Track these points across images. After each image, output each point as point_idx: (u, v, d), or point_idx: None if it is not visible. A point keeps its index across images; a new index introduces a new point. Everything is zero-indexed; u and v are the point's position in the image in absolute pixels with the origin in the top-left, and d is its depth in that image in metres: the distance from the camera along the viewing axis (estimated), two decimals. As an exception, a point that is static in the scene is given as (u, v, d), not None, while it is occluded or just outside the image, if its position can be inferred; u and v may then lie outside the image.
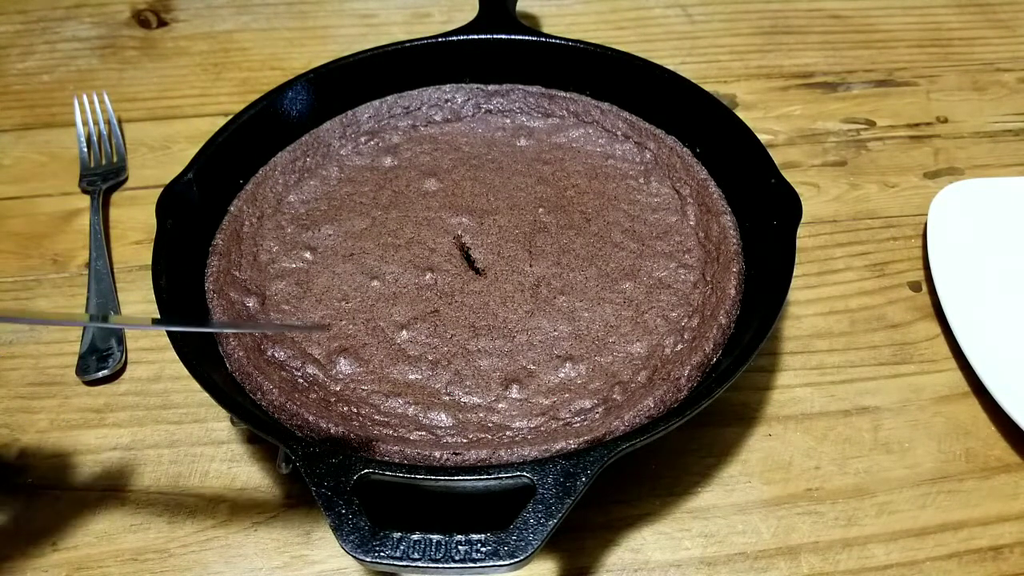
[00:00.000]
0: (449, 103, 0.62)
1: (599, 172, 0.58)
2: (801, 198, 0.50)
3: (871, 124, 0.71)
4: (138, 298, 0.59)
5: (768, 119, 0.71)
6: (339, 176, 0.58)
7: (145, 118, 0.72)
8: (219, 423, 0.52)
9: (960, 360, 0.55)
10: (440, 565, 0.36)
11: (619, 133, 0.60)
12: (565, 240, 0.54)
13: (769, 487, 0.50)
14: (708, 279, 0.51)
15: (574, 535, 0.47)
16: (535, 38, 0.62)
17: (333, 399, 0.47)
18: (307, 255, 0.53)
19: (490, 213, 0.56)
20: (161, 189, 0.51)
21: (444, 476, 0.40)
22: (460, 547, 0.37)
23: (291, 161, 0.58)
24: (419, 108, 0.61)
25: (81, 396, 0.54)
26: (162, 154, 0.69)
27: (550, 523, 0.37)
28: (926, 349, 0.56)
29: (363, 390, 0.47)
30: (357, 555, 0.37)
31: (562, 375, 0.47)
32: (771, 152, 0.53)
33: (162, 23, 0.81)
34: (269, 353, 0.48)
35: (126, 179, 0.67)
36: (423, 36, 0.62)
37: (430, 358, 0.48)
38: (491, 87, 0.62)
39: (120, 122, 0.71)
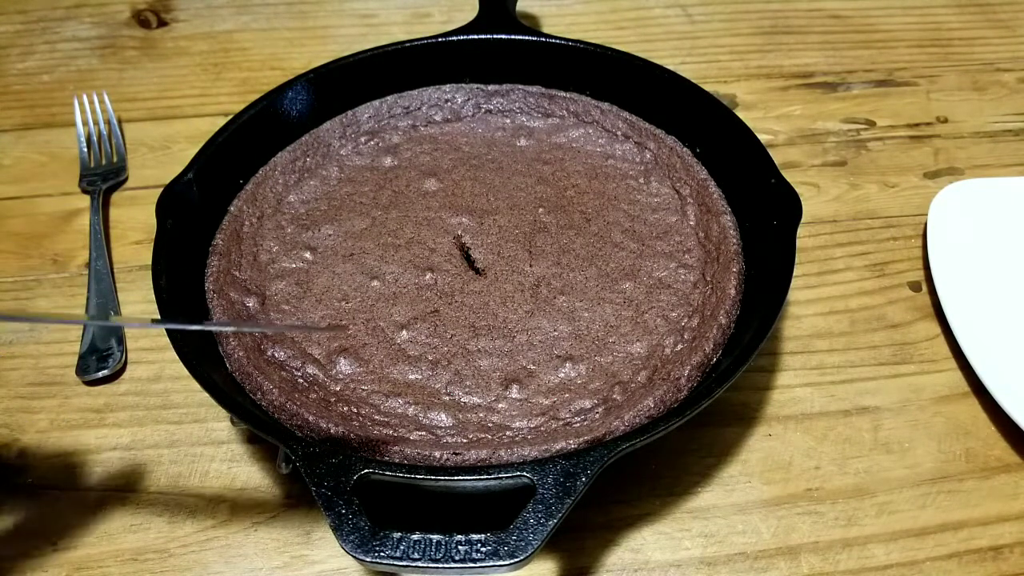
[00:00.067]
0: (449, 103, 0.62)
1: (599, 172, 0.58)
2: (801, 198, 0.50)
3: (871, 124, 0.71)
4: (138, 298, 0.59)
5: (768, 119, 0.71)
6: (339, 176, 0.58)
7: (145, 118, 0.72)
8: (219, 423, 0.52)
9: (960, 360, 0.55)
10: (440, 565, 0.36)
11: (619, 133, 0.60)
12: (565, 240, 0.54)
13: (769, 487, 0.50)
14: (708, 279, 0.51)
15: (574, 535, 0.47)
16: (535, 38, 0.62)
17: (333, 399, 0.47)
18: (307, 255, 0.53)
19: (490, 213, 0.56)
20: (161, 189, 0.51)
21: (444, 476, 0.40)
22: (460, 547, 0.37)
23: (291, 161, 0.58)
24: (419, 108, 0.61)
25: (81, 396, 0.54)
26: (162, 154, 0.69)
27: (550, 523, 0.37)
28: (926, 349, 0.56)
29: (363, 390, 0.47)
30: (357, 555, 0.37)
31: (562, 375, 0.47)
32: (771, 152, 0.53)
33: (162, 23, 0.81)
34: (269, 353, 0.48)
35: (126, 179, 0.67)
36: (423, 36, 0.62)
37: (430, 358, 0.48)
38: (491, 87, 0.62)
39: (120, 122, 0.71)
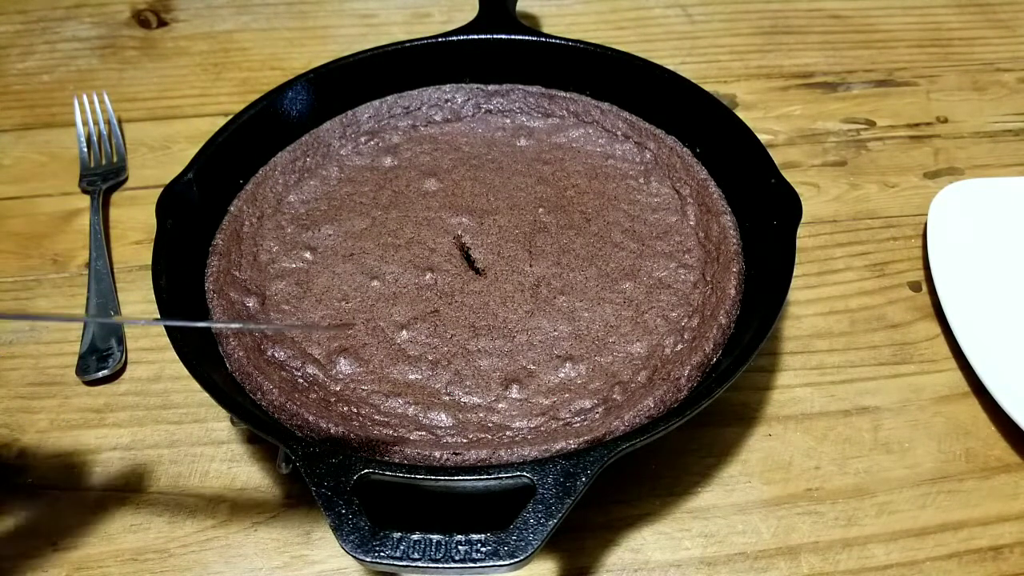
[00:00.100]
0: (449, 103, 0.62)
1: (599, 172, 0.58)
2: (801, 198, 0.50)
3: (871, 124, 0.71)
4: (138, 298, 0.59)
5: (768, 119, 0.71)
6: (339, 176, 0.58)
7: (145, 118, 0.72)
8: (219, 423, 0.52)
9: (960, 360, 0.55)
10: (440, 565, 0.36)
11: (619, 133, 0.60)
12: (565, 240, 0.54)
13: (769, 487, 0.50)
14: (708, 279, 0.51)
15: (574, 535, 0.47)
16: (535, 38, 0.62)
17: (333, 399, 0.47)
18: (307, 255, 0.53)
19: (490, 213, 0.56)
20: (161, 189, 0.51)
21: (444, 476, 0.40)
22: (460, 547, 0.37)
23: (291, 161, 0.58)
24: (419, 108, 0.61)
25: (81, 396, 0.54)
26: (162, 154, 0.69)
27: (550, 523, 0.37)
28: (926, 349, 0.56)
29: (363, 390, 0.47)
30: (357, 555, 0.37)
31: (562, 375, 0.47)
32: (771, 152, 0.53)
33: (162, 23, 0.81)
34: (269, 353, 0.48)
35: (126, 179, 0.67)
36: (423, 36, 0.62)
37: (430, 358, 0.48)
38: (491, 87, 0.62)
39: (120, 122, 0.71)
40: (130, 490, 0.50)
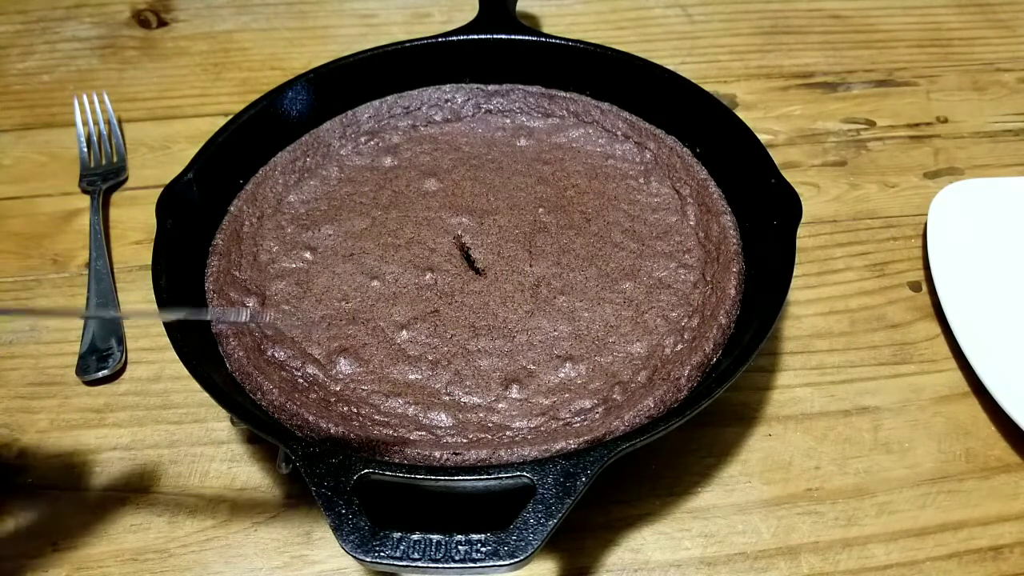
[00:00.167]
0: (449, 103, 0.62)
1: (599, 172, 0.58)
2: (801, 198, 0.50)
3: (871, 124, 0.71)
4: (138, 298, 0.59)
5: (768, 119, 0.71)
6: (339, 176, 0.58)
7: (145, 118, 0.72)
8: (219, 423, 0.52)
9: (960, 360, 0.55)
10: (440, 565, 0.36)
11: (619, 133, 0.60)
12: (565, 240, 0.54)
13: (769, 487, 0.50)
14: (708, 279, 0.51)
15: (574, 535, 0.47)
16: (535, 38, 0.62)
17: (333, 399, 0.47)
18: (307, 255, 0.53)
19: (490, 213, 0.56)
20: (161, 189, 0.51)
21: (444, 476, 0.40)
22: (460, 547, 0.37)
23: (291, 161, 0.58)
24: (419, 108, 0.61)
25: (81, 396, 0.54)
26: (162, 154, 0.69)
27: (550, 523, 0.37)
28: (926, 349, 0.56)
29: (363, 390, 0.47)
30: (357, 555, 0.37)
31: (562, 375, 0.47)
32: (771, 152, 0.53)
33: (162, 23, 0.81)
34: (269, 353, 0.48)
35: (126, 179, 0.67)
36: (423, 36, 0.62)
37: (430, 358, 0.48)
38: (491, 87, 0.62)
39: (120, 122, 0.71)
40: (130, 490, 0.50)
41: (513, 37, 0.62)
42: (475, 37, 0.62)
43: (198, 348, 0.46)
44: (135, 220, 0.64)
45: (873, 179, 0.67)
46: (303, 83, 0.59)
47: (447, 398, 0.47)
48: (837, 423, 0.52)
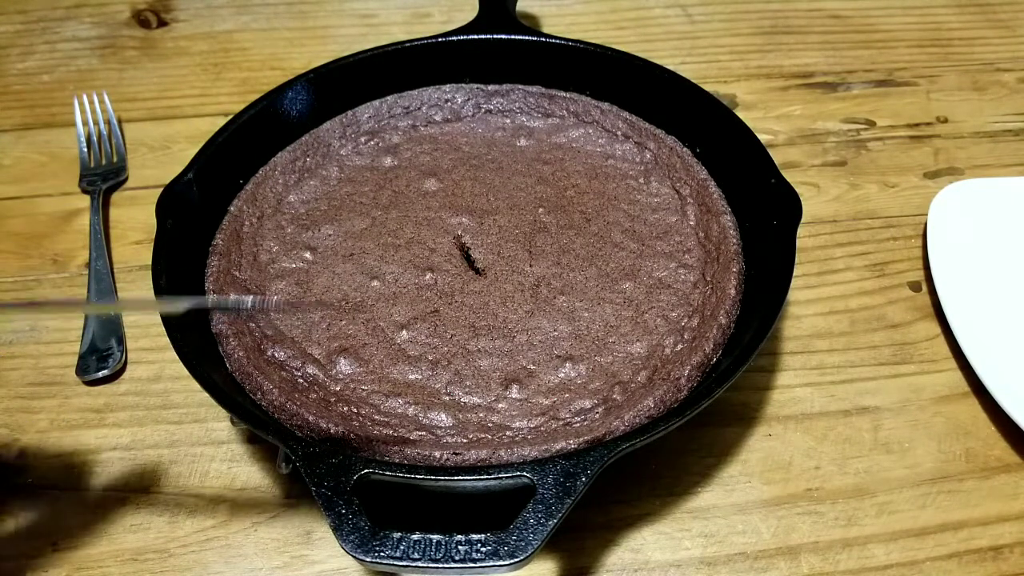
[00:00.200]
0: (449, 103, 0.62)
1: (599, 172, 0.58)
2: (801, 198, 0.50)
3: (871, 124, 0.71)
4: (138, 298, 0.59)
5: (768, 119, 0.71)
6: (339, 176, 0.58)
7: (145, 118, 0.72)
8: (219, 423, 0.52)
9: (960, 360, 0.55)
10: (440, 565, 0.36)
11: (619, 133, 0.60)
12: (565, 240, 0.54)
13: (769, 487, 0.50)
14: (708, 279, 0.51)
15: (574, 535, 0.47)
16: (535, 38, 0.62)
17: (333, 399, 0.47)
18: (307, 255, 0.53)
19: (490, 213, 0.56)
20: (161, 189, 0.51)
21: (444, 476, 0.40)
22: (460, 547, 0.37)
23: (291, 161, 0.58)
24: (419, 108, 0.61)
25: (81, 396, 0.54)
26: (162, 154, 0.69)
27: (550, 523, 0.37)
28: (926, 349, 0.56)
29: (363, 390, 0.47)
30: (357, 555, 0.37)
31: (562, 375, 0.47)
32: (771, 152, 0.53)
33: (162, 23, 0.81)
34: (269, 353, 0.48)
35: (126, 179, 0.67)
36: (423, 36, 0.62)
37: (430, 358, 0.48)
38: (491, 87, 0.62)
39: (120, 122, 0.71)
40: (130, 490, 0.50)
41: (513, 37, 0.62)
42: (475, 37, 0.62)
43: (198, 348, 0.46)
44: (135, 220, 0.64)
45: (873, 179, 0.67)
46: (303, 83, 0.59)
47: (447, 398, 0.47)
48: (837, 423, 0.52)
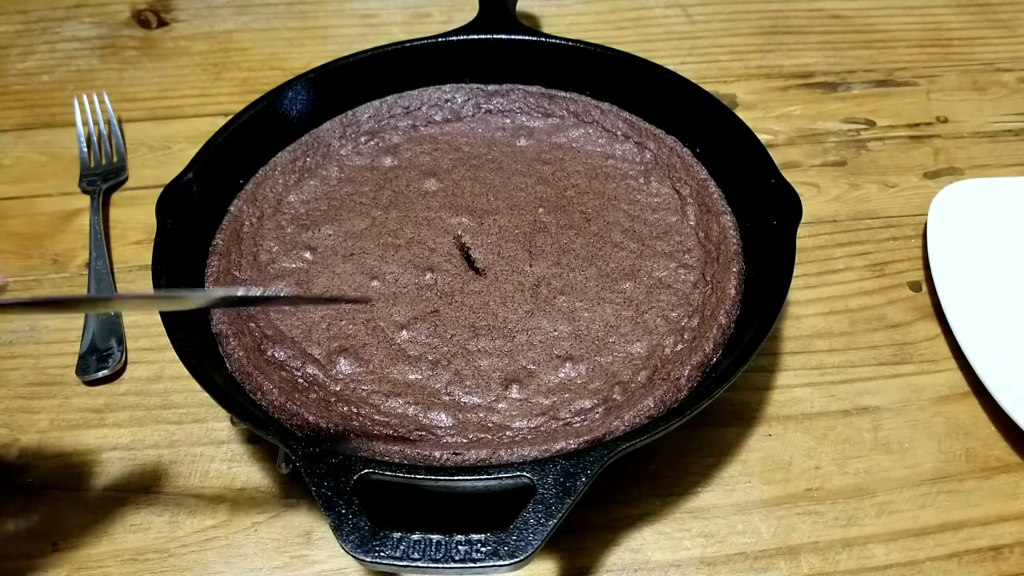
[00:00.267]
0: (449, 103, 0.62)
1: (599, 172, 0.58)
2: (801, 198, 0.50)
3: (871, 124, 0.71)
4: (138, 298, 0.59)
5: (768, 119, 0.71)
6: (339, 176, 0.58)
7: (145, 118, 0.72)
8: (219, 423, 0.52)
9: (960, 360, 0.55)
10: (440, 565, 0.36)
11: (619, 133, 0.60)
12: (565, 240, 0.54)
13: (769, 487, 0.50)
14: (708, 279, 0.51)
15: (574, 535, 0.47)
16: (535, 38, 0.62)
17: (333, 399, 0.47)
18: (307, 255, 0.53)
19: (490, 213, 0.56)
20: (161, 189, 0.51)
21: (444, 476, 0.40)
22: (460, 547, 0.37)
23: (291, 161, 0.58)
24: (419, 108, 0.61)
25: (81, 396, 0.54)
26: (162, 154, 0.69)
27: (550, 523, 0.37)
28: (926, 349, 0.56)
29: (363, 390, 0.47)
30: (357, 555, 0.37)
31: (562, 375, 0.47)
32: (771, 152, 0.53)
33: (162, 23, 0.81)
34: (269, 353, 0.48)
35: (126, 179, 0.67)
36: (423, 36, 0.62)
37: (430, 358, 0.48)
38: (491, 87, 0.62)
39: (120, 122, 0.71)
40: (130, 490, 0.50)
41: (513, 37, 0.62)
42: (475, 37, 0.62)
43: (198, 348, 0.46)
44: (135, 220, 0.64)
45: (873, 179, 0.67)
46: (303, 83, 0.59)
47: (447, 398, 0.47)
48: (837, 423, 0.52)
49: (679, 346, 0.48)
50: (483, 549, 0.37)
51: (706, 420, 0.52)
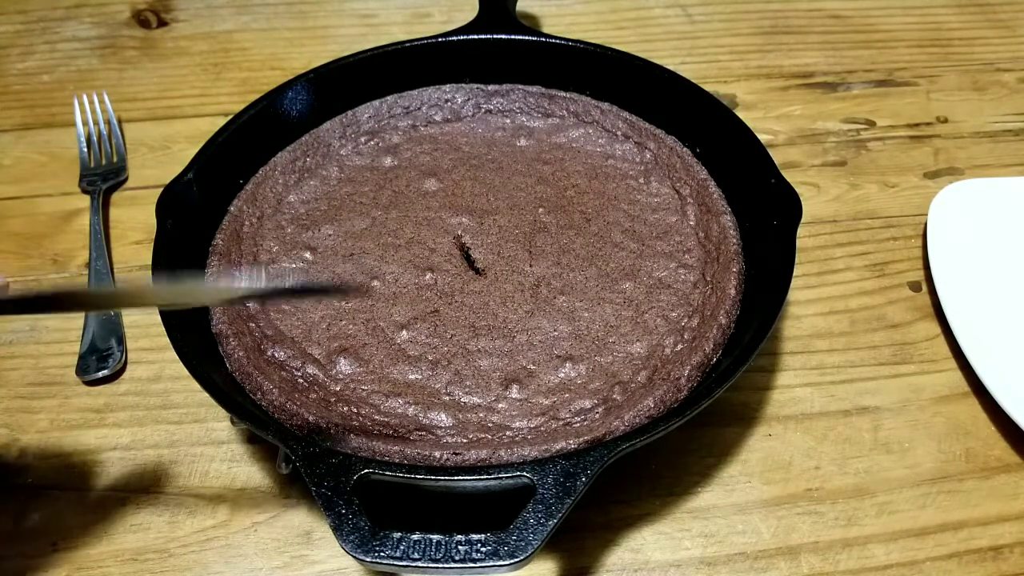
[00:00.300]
0: (449, 103, 0.62)
1: (599, 172, 0.58)
2: (801, 198, 0.50)
3: (871, 124, 0.71)
4: (138, 298, 0.59)
5: (768, 119, 0.71)
6: (339, 176, 0.58)
7: (145, 118, 0.72)
8: (219, 423, 0.52)
9: (960, 360, 0.55)
10: (440, 565, 0.36)
11: (619, 133, 0.60)
12: (565, 240, 0.54)
13: (769, 487, 0.50)
14: (708, 279, 0.51)
15: (574, 535, 0.47)
16: (535, 38, 0.62)
17: (333, 399, 0.47)
18: (307, 255, 0.53)
19: (490, 213, 0.56)
20: (161, 189, 0.51)
21: (444, 476, 0.40)
22: (460, 547, 0.37)
23: (291, 161, 0.58)
24: (419, 108, 0.61)
25: (81, 396, 0.54)
26: (162, 154, 0.69)
27: (550, 523, 0.37)
28: (926, 349, 0.56)
29: (363, 390, 0.47)
30: (357, 555, 0.37)
31: (562, 375, 0.47)
32: (771, 152, 0.53)
33: (162, 23, 0.81)
34: (269, 353, 0.48)
35: (126, 179, 0.67)
36: (423, 36, 0.62)
37: (430, 358, 0.48)
38: (491, 87, 0.62)
39: (120, 122, 0.71)
40: (130, 490, 0.50)
41: (513, 37, 0.62)
42: (475, 37, 0.62)
43: (198, 348, 0.46)
44: (135, 220, 0.64)
45: (873, 179, 0.67)
46: (303, 83, 0.59)
47: (447, 398, 0.47)
48: (837, 423, 0.52)
49: (679, 346, 0.48)
50: (483, 549, 0.37)
51: (706, 420, 0.52)
